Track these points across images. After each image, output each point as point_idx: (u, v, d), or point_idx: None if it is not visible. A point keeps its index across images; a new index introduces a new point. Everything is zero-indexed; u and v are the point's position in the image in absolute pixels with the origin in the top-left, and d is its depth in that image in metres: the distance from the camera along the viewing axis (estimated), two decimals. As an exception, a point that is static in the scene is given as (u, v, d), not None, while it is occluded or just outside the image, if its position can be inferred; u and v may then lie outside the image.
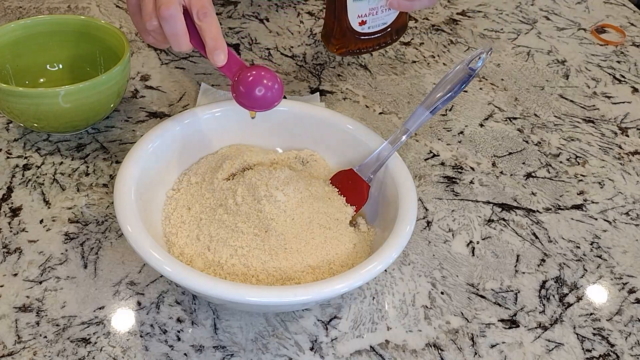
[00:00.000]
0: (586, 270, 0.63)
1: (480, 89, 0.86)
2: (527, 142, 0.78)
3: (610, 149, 0.79)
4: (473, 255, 0.63)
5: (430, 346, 0.54)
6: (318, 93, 0.81)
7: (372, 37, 0.60)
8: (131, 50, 0.82)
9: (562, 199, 0.70)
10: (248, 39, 0.91)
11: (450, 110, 0.82)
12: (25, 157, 0.68)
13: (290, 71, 0.85)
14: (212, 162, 0.62)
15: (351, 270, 0.48)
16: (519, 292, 0.60)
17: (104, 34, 0.71)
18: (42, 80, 0.75)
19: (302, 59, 0.88)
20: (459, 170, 0.73)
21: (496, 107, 0.83)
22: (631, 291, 0.61)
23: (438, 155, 0.74)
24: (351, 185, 0.60)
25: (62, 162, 0.68)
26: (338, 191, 0.60)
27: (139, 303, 0.55)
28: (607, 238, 0.66)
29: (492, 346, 0.55)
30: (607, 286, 0.61)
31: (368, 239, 0.57)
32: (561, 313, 0.58)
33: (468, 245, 0.64)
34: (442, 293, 0.59)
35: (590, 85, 0.89)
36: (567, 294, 0.60)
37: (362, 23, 0.58)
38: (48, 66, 0.75)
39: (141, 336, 0.52)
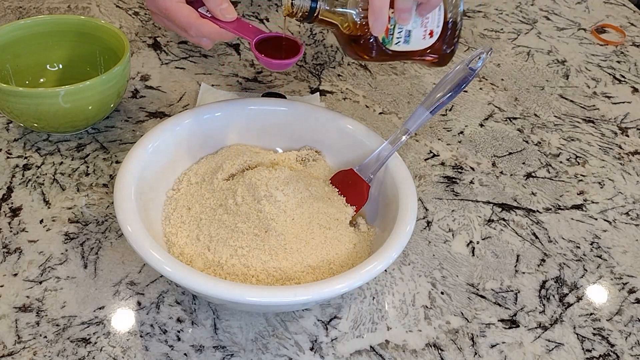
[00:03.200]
0: (586, 270, 0.63)
1: (480, 89, 0.86)
2: (527, 142, 0.78)
3: (610, 149, 0.79)
4: (473, 255, 0.63)
5: (430, 346, 0.54)
6: (318, 93, 0.81)
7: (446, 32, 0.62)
8: (131, 50, 0.82)
9: (562, 199, 0.70)
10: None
11: (450, 110, 0.82)
12: (25, 157, 0.68)
13: (290, 71, 0.85)
14: (212, 163, 0.62)
15: (351, 270, 0.48)
16: (519, 292, 0.60)
17: (104, 34, 0.71)
18: (42, 80, 0.75)
19: (302, 59, 0.88)
20: (459, 170, 0.73)
21: (496, 107, 0.83)
22: (631, 291, 0.61)
23: (438, 155, 0.74)
24: (351, 185, 0.60)
25: (62, 162, 0.68)
26: (338, 191, 0.60)
27: (139, 303, 0.55)
28: (607, 238, 0.66)
29: (492, 346, 0.55)
30: (607, 286, 0.61)
31: (368, 239, 0.57)
32: (561, 313, 0.58)
33: (468, 245, 0.64)
34: (442, 293, 0.59)
35: (590, 85, 0.89)
36: (567, 294, 0.60)
37: (431, 34, 0.61)
38: (48, 66, 0.75)
39: (141, 336, 0.52)
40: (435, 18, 0.61)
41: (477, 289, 0.59)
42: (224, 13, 0.55)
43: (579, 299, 0.60)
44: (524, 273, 0.61)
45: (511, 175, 0.73)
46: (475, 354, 0.54)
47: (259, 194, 0.54)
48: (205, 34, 0.56)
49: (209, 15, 0.57)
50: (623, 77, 0.92)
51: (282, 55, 0.57)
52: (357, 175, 0.60)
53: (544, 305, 0.59)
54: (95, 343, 0.52)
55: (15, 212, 0.62)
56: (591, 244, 0.65)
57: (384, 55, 0.61)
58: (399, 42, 0.60)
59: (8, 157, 0.68)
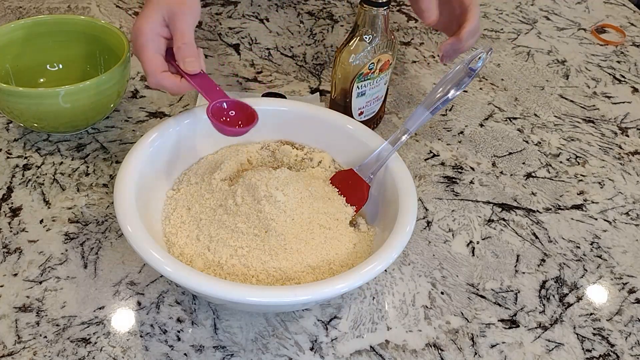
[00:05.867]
0: (586, 270, 0.63)
1: (480, 89, 0.86)
2: (527, 142, 0.78)
3: (610, 149, 0.79)
4: (473, 255, 0.63)
5: (430, 346, 0.54)
6: (318, 93, 0.81)
7: (366, 121, 0.73)
8: (131, 50, 0.82)
9: (562, 199, 0.70)
10: (248, 39, 0.91)
11: (450, 110, 0.82)
12: (25, 157, 0.68)
13: (290, 71, 0.85)
14: (211, 163, 0.62)
15: (351, 270, 0.48)
16: (519, 292, 0.60)
17: (104, 34, 0.71)
18: (42, 80, 0.75)
19: (302, 59, 0.88)
20: (459, 170, 0.73)
21: (496, 107, 0.83)
22: (631, 291, 0.61)
23: (438, 155, 0.74)
24: (351, 185, 0.60)
25: (62, 162, 0.68)
26: (338, 191, 0.60)
27: (139, 303, 0.55)
28: (607, 238, 0.66)
29: (492, 346, 0.55)
30: (607, 286, 0.61)
31: (368, 239, 0.57)
32: (561, 313, 0.58)
33: (468, 245, 0.64)
34: (442, 293, 0.59)
35: (590, 85, 0.89)
36: (567, 294, 0.60)
37: (361, 113, 0.72)
38: (48, 66, 0.75)
39: (141, 336, 0.52)
40: (376, 107, 0.73)
41: (477, 289, 0.59)
42: (187, 66, 0.57)
43: (579, 299, 0.60)
44: (524, 273, 0.61)
45: (511, 175, 0.73)
46: (475, 354, 0.54)
47: (258, 194, 0.54)
48: (166, 87, 0.58)
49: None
50: (623, 77, 0.92)
51: (238, 122, 0.57)
52: (357, 175, 0.60)
53: (544, 305, 0.59)
54: (95, 343, 0.52)
55: (15, 212, 0.62)
56: (591, 244, 0.65)
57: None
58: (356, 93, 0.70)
59: (8, 157, 0.68)
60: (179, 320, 0.54)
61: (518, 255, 0.63)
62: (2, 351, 0.50)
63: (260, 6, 0.99)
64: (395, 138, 0.60)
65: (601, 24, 1.05)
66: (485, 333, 0.56)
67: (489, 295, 0.59)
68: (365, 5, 0.64)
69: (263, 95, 0.78)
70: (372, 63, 0.67)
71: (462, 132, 0.78)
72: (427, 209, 0.67)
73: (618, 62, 0.95)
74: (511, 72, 0.90)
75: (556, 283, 0.61)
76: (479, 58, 0.60)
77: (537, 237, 0.65)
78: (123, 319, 0.54)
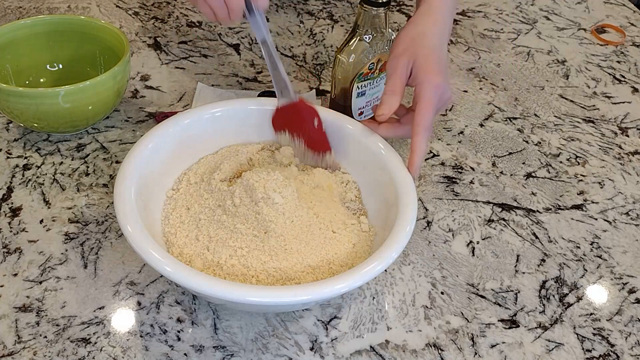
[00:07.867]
0: (586, 270, 0.63)
1: (480, 89, 0.86)
2: (527, 142, 0.78)
3: (610, 149, 0.79)
4: (473, 255, 0.63)
5: (430, 346, 0.54)
6: (314, 91, 0.81)
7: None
8: (131, 50, 0.82)
9: (562, 199, 0.70)
10: (248, 39, 0.91)
11: (450, 110, 0.82)
12: (25, 157, 0.68)
13: (290, 71, 0.85)
14: (211, 163, 0.62)
15: (351, 270, 0.48)
16: (519, 292, 0.60)
17: (104, 34, 0.71)
18: (42, 80, 0.75)
19: (302, 59, 0.88)
20: (459, 170, 0.73)
21: (496, 107, 0.83)
22: (631, 291, 0.61)
23: (438, 155, 0.74)
24: (292, 115, 0.62)
25: (62, 162, 0.68)
26: (287, 132, 0.62)
27: (139, 303, 0.55)
28: (607, 238, 0.66)
29: (492, 346, 0.55)
30: (607, 286, 0.61)
31: (368, 239, 0.57)
32: (561, 313, 0.58)
33: (468, 245, 0.64)
34: (442, 293, 0.59)
35: (590, 85, 0.89)
36: (567, 294, 0.60)
37: (361, 113, 0.72)
38: (48, 66, 0.75)
39: (141, 336, 0.52)
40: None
41: (477, 289, 0.59)
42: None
43: (579, 299, 0.60)
44: (524, 273, 0.61)
45: (511, 175, 0.73)
46: (475, 354, 0.54)
47: (256, 196, 0.54)
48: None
49: None
50: (623, 77, 0.92)
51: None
52: (287, 106, 0.61)
53: (544, 305, 0.59)
54: (95, 343, 0.52)
55: (15, 212, 0.62)
56: (591, 244, 0.65)
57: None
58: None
59: (8, 157, 0.68)
60: (179, 320, 0.54)
61: (518, 255, 0.63)
62: (2, 351, 0.50)
63: (260, 6, 0.99)
64: (266, 48, 0.60)
65: (601, 24, 1.05)
66: (485, 333, 0.56)
67: (489, 295, 0.59)
68: (365, 5, 0.64)
69: (259, 95, 0.78)
70: (372, 63, 0.67)
71: (462, 132, 0.78)
72: (427, 209, 0.67)
73: (618, 62, 0.95)
74: (511, 72, 0.90)
75: (556, 283, 0.61)
76: None
77: (537, 237, 0.65)
78: (123, 319, 0.54)
